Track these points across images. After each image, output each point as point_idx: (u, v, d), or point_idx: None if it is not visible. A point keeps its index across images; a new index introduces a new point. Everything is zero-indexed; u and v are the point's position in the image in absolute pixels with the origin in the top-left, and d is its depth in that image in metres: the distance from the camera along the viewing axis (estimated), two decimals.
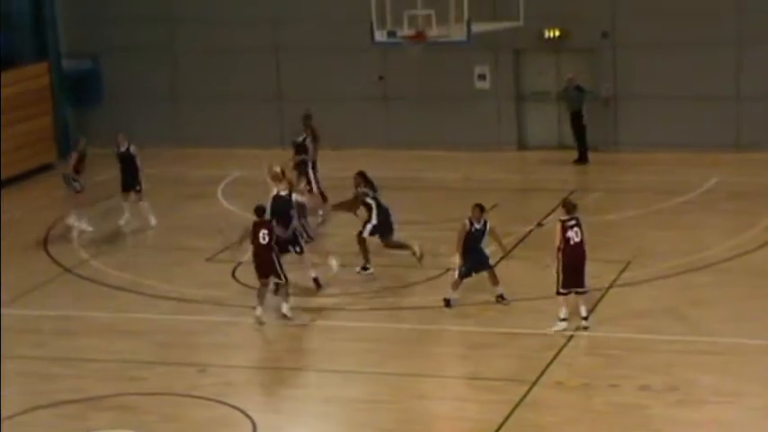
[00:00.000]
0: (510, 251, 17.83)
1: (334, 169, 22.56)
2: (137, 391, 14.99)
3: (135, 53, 28.28)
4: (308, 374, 16.41)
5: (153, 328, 17.08)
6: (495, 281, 16.57)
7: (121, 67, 28.58)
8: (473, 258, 16.48)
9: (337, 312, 17.39)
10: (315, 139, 22.21)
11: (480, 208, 16.46)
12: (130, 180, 22.80)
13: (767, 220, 20.47)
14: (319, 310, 17.44)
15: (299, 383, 16.46)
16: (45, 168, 27.20)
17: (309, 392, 16.09)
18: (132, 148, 22.95)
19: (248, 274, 17.89)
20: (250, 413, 15.28)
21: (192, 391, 15.20)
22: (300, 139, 22.38)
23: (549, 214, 19.90)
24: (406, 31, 21.83)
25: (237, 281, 18.71)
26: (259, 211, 16.44)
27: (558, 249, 15.86)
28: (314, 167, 22.15)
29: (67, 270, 20.24)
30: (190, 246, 20.53)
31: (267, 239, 16.22)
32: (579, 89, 24.57)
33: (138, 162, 22.66)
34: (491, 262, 17.05)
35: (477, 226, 16.80)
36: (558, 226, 15.81)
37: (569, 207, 15.84)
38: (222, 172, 25.29)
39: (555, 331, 15.74)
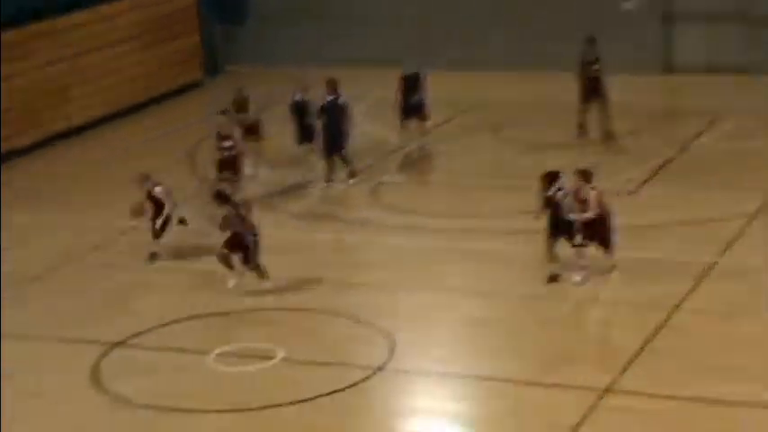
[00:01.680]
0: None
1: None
2: (277, 307, 15.86)
3: None
4: (451, 295, 16.88)
5: (286, 244, 17.70)
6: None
7: None
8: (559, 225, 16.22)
9: (479, 234, 17.82)
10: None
11: (550, 177, 15.77)
12: (306, 133, 21.97)
13: None
14: (463, 231, 17.94)
15: (440, 304, 16.86)
16: (192, 86, 28.39)
17: (450, 314, 16.50)
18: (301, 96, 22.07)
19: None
20: (390, 332, 15.87)
21: (331, 308, 15.91)
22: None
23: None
24: None
25: (380, 201, 19.70)
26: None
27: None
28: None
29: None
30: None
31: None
32: None
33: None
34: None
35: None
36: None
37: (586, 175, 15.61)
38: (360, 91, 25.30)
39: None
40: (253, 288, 16.55)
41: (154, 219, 17.39)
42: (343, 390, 13.93)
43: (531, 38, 27.07)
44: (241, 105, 21.32)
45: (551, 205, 15.63)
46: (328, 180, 21.33)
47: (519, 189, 18.93)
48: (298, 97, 22.11)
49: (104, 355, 15.43)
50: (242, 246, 15.95)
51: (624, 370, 14.26)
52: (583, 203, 15.58)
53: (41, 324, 16.28)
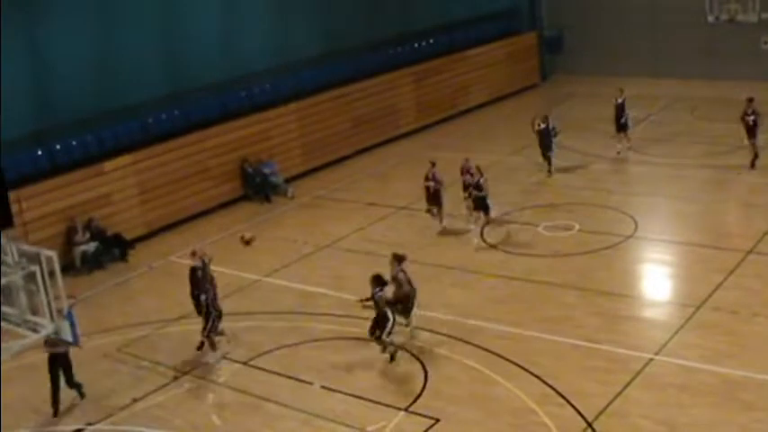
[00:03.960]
0: None
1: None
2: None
3: (577, 27, 42.71)
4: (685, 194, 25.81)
5: None
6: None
7: (574, 34, 43.28)
8: None
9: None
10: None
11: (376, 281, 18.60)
12: (620, 124, 29.91)
13: None
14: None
15: (675, 195, 25.85)
16: (533, 86, 42.76)
17: (681, 206, 24.96)
18: (622, 99, 29.96)
19: None
20: (631, 214, 24.67)
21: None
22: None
23: None
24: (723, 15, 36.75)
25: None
26: None
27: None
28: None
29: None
30: None
31: None
32: None
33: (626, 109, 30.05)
34: None
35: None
36: None
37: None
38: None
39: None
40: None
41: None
42: None
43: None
44: None
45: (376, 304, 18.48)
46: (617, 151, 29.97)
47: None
48: (619, 100, 30.14)
49: None
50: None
51: None
52: (395, 282, 18.72)
53: None
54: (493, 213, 24.68)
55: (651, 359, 17.77)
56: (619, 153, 30.07)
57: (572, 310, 20.07)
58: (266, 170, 30.34)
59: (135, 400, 17.19)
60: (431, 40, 38.35)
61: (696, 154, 28.52)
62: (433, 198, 25.07)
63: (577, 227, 24.47)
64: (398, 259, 19.18)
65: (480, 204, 24.43)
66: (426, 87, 37.35)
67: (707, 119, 29.48)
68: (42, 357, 17.02)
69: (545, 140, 29.35)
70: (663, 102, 37.55)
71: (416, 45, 37.95)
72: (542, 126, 29.30)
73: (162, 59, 29.14)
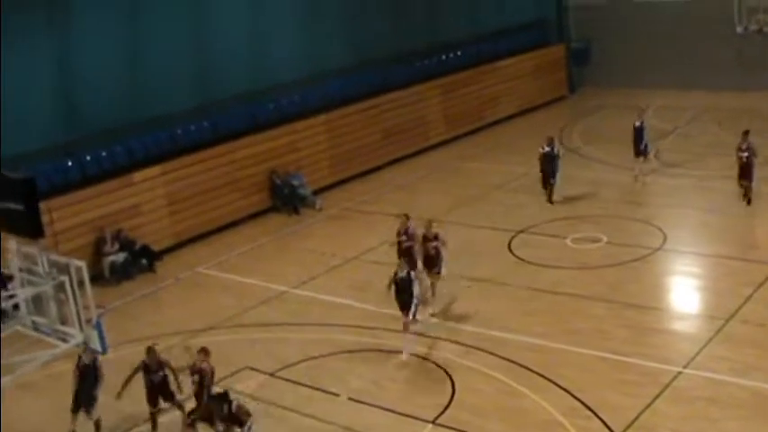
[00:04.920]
0: None
1: None
2: None
3: (605, 38, 42.88)
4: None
5: None
6: None
7: (601, 47, 43.41)
8: None
9: None
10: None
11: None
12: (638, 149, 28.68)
13: None
14: None
15: (704, 207, 25.88)
16: (561, 98, 42.86)
17: (710, 218, 25.15)
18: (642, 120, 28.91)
19: None
20: (660, 226, 24.87)
21: None
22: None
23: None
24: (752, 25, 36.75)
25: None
26: None
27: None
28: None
29: None
30: None
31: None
32: None
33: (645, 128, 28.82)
34: None
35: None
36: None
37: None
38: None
39: None
40: None
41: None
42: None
43: None
44: None
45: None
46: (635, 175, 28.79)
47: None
48: (637, 123, 28.88)
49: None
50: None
51: None
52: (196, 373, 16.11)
53: None
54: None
55: (680, 372, 17.68)
56: (636, 178, 29.10)
57: (600, 323, 20.04)
58: (294, 182, 30.49)
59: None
60: (459, 52, 38.53)
61: (724, 166, 28.14)
62: (405, 254, 21.17)
63: (605, 239, 24.50)
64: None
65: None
66: (455, 99, 37.53)
67: (735, 131, 28.62)
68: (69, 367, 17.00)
69: (549, 165, 27.76)
70: (690, 113, 37.59)
71: (444, 57, 38.09)
72: (546, 149, 27.80)
73: (191, 71, 29.32)
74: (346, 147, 33.24)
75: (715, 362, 17.93)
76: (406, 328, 19.26)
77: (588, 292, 21.60)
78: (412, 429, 16.66)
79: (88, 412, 16.72)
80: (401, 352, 19.35)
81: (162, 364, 15.98)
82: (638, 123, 28.54)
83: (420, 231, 21.34)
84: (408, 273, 19.29)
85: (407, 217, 21.87)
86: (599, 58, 43.65)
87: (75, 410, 16.71)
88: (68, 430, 16.79)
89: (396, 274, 19.25)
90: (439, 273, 20.98)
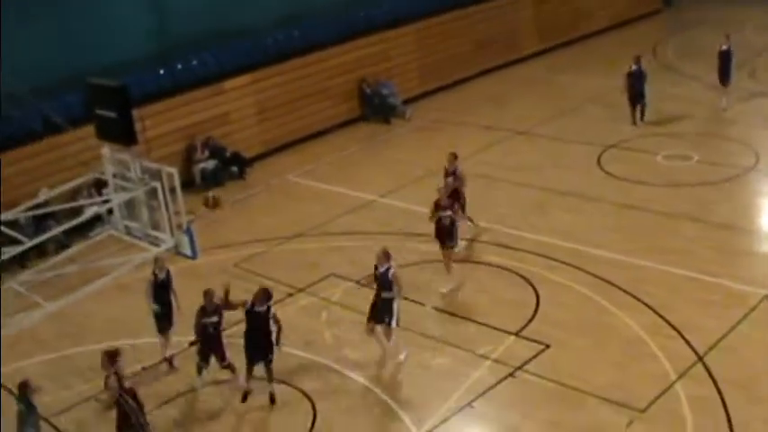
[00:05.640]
0: None
1: None
2: None
3: None
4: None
5: None
6: None
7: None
8: None
9: None
10: None
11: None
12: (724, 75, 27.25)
13: None
14: None
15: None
16: (655, 12, 41.68)
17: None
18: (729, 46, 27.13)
19: None
20: (753, 146, 24.59)
21: None
22: None
23: None
24: None
25: None
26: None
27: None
28: None
29: None
30: None
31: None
32: None
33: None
34: None
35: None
36: None
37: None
38: None
39: None
40: None
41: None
42: None
43: None
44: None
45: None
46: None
47: None
48: (724, 47, 27.40)
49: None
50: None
51: None
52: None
53: None
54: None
55: (767, 295, 17.41)
56: (725, 110, 27.59)
57: (688, 242, 19.86)
58: (384, 91, 30.50)
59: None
60: None
61: None
62: (452, 195, 19.63)
63: (696, 157, 24.16)
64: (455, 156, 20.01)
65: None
66: (547, 11, 37.06)
67: None
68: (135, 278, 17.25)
69: (636, 85, 26.62)
70: None
71: None
72: (634, 68, 26.62)
73: None
74: (437, 57, 33.06)
75: None
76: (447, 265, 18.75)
77: (677, 210, 21.37)
78: (494, 341, 16.78)
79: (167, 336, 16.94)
80: (487, 264, 19.23)
81: (218, 308, 15.79)
82: (724, 47, 27.28)
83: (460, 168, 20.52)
84: (451, 218, 18.64)
85: (455, 156, 20.80)
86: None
87: (162, 331, 17.00)
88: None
89: (440, 220, 18.66)
90: (453, 247, 19.08)
